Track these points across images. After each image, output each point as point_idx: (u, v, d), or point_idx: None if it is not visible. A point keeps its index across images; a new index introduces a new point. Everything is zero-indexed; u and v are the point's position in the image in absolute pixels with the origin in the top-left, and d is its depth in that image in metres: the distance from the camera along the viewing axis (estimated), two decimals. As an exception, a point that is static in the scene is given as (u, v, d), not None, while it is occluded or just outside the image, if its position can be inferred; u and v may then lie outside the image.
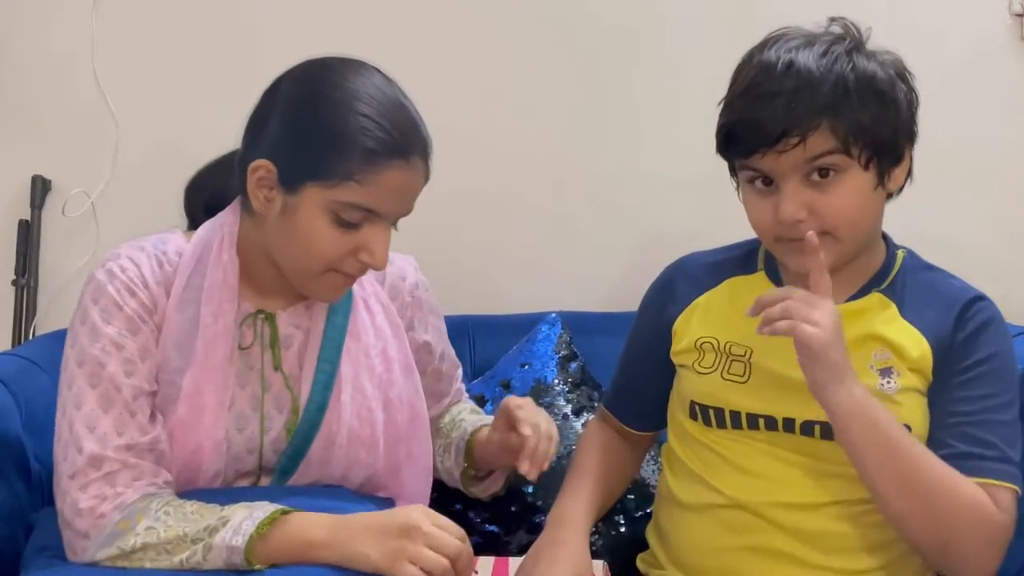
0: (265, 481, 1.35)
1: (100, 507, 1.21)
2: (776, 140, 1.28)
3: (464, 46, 2.09)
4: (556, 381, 1.83)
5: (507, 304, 2.03)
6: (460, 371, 1.65)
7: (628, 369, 1.59)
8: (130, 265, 1.29)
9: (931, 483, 1.27)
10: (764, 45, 1.34)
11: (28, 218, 2.06)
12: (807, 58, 1.29)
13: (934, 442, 1.33)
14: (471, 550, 1.22)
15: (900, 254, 1.44)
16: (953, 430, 1.33)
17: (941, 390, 1.35)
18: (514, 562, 1.43)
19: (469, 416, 1.60)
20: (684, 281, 1.52)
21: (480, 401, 1.82)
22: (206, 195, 1.41)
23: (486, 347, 1.94)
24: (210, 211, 1.38)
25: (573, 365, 1.86)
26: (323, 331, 1.36)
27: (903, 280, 1.41)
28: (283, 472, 1.34)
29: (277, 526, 1.19)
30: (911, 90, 1.35)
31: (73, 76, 2.05)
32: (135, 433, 1.24)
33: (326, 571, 1.18)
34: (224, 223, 1.34)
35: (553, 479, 1.69)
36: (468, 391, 1.85)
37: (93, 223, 2.07)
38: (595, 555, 1.61)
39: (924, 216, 1.89)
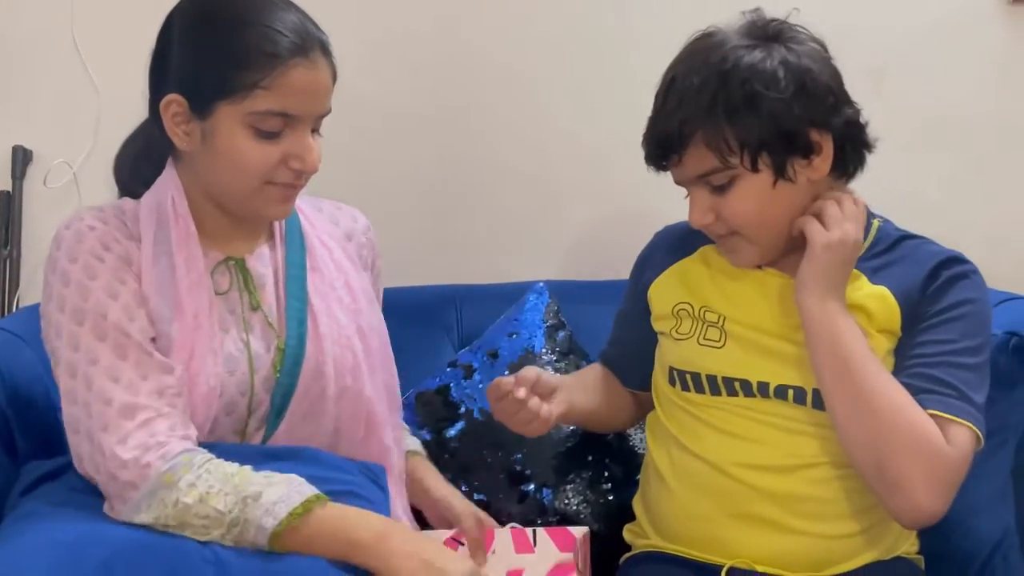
0: (256, 426, 1.34)
1: (144, 456, 1.20)
2: (663, 158, 1.37)
3: (452, 16, 2.07)
4: (544, 350, 1.83)
5: (494, 274, 2.03)
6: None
7: (618, 335, 1.64)
8: (98, 224, 1.31)
9: (880, 403, 1.29)
10: (681, 50, 1.40)
11: (9, 189, 2.04)
12: (684, 72, 1.34)
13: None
14: None
15: (876, 223, 1.45)
16: (910, 371, 1.34)
17: (906, 340, 1.37)
18: (499, 533, 1.44)
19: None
20: (661, 249, 1.57)
21: (468, 371, 1.82)
22: (132, 165, 1.43)
23: (473, 317, 1.94)
24: (146, 180, 1.39)
25: (561, 334, 1.86)
26: (284, 270, 1.39)
27: (876, 250, 1.42)
28: (277, 413, 1.34)
29: (312, 518, 1.19)
30: (808, 79, 1.32)
31: (54, 45, 2.02)
32: (159, 375, 1.25)
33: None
34: (167, 181, 1.36)
35: (542, 449, 1.70)
36: (456, 361, 1.86)
37: (76, 193, 2.05)
38: (582, 523, 1.63)
39: (908, 182, 1.89)
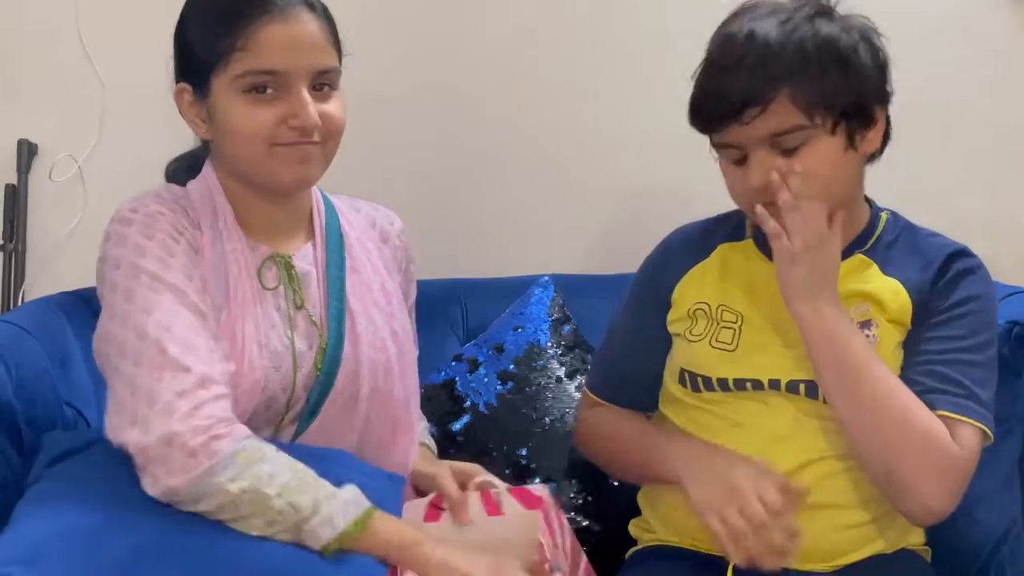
0: (290, 420, 1.35)
1: (215, 428, 1.19)
2: (738, 111, 1.30)
3: (457, 5, 2.07)
4: (549, 344, 1.83)
5: (499, 267, 2.03)
6: (417, 350, 1.62)
7: (626, 346, 1.56)
8: (166, 211, 1.31)
9: (887, 406, 1.29)
10: (731, 17, 1.36)
11: (15, 183, 2.04)
12: (767, 27, 1.30)
13: (902, 381, 1.34)
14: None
15: (884, 216, 1.45)
16: (920, 368, 1.34)
17: (916, 334, 1.37)
18: (470, 496, 1.43)
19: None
20: (679, 251, 1.53)
21: (473, 364, 1.82)
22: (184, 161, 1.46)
23: (479, 310, 1.94)
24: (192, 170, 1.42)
25: (566, 328, 1.86)
26: (325, 269, 1.40)
27: (885, 241, 1.42)
28: (312, 411, 1.35)
29: (367, 530, 1.21)
30: (879, 52, 1.34)
31: (59, 39, 2.02)
32: (223, 361, 1.25)
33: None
34: (206, 175, 1.38)
35: (547, 442, 1.70)
36: (461, 355, 1.86)
37: (81, 187, 2.05)
38: (588, 518, 1.63)
39: (914, 175, 1.88)
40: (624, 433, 1.53)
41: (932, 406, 1.31)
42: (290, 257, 1.38)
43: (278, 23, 1.28)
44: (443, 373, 1.83)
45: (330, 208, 1.46)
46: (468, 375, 1.82)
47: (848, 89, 1.31)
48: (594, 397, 1.58)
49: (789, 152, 1.32)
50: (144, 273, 1.25)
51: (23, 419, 1.42)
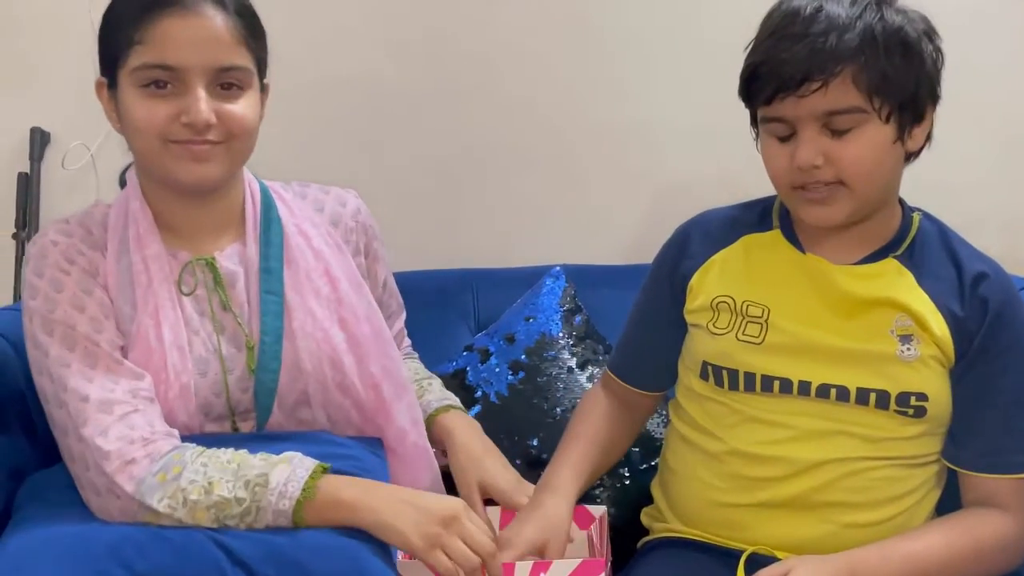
0: (244, 426, 1.36)
1: (128, 450, 1.21)
2: (798, 84, 1.27)
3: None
4: (561, 334, 1.83)
5: (511, 257, 2.03)
6: (404, 315, 1.62)
7: (639, 328, 1.57)
8: (62, 238, 1.31)
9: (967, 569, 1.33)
10: None
11: (28, 171, 2.05)
12: (836, 6, 1.29)
13: (966, 431, 1.36)
14: (500, 559, 1.25)
15: (916, 217, 1.42)
16: (990, 424, 1.35)
17: (969, 376, 1.35)
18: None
19: (429, 386, 1.61)
20: (699, 238, 1.50)
21: (484, 355, 1.82)
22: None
23: (490, 301, 1.94)
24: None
25: (578, 318, 1.85)
26: (259, 264, 1.38)
27: (920, 246, 1.39)
28: (263, 411, 1.35)
29: (320, 489, 1.20)
30: (937, 50, 1.33)
31: (71, 27, 2.02)
32: (131, 379, 1.26)
33: (353, 541, 1.19)
34: (130, 181, 1.38)
35: (558, 432, 1.67)
36: (472, 345, 1.86)
37: (93, 175, 2.05)
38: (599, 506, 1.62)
39: (931, 165, 1.87)
40: (579, 420, 1.56)
41: (1004, 470, 1.35)
42: (213, 258, 1.36)
43: (177, 18, 1.26)
44: (454, 363, 1.83)
45: (268, 200, 1.42)
46: (479, 365, 1.82)
47: (908, 79, 1.29)
48: (609, 373, 1.59)
49: (839, 134, 1.30)
50: (36, 315, 1.28)
51: (33, 405, 1.42)
